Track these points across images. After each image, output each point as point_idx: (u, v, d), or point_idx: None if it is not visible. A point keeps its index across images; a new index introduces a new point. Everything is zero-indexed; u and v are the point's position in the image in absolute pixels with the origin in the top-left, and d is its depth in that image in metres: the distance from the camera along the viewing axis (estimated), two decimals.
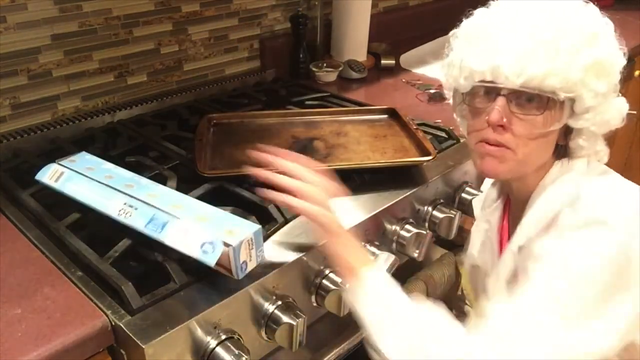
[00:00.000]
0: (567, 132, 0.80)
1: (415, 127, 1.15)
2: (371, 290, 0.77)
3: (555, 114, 0.76)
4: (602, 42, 0.76)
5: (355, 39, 1.66)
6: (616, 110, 0.80)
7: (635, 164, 2.26)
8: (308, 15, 1.57)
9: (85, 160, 0.90)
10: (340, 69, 1.57)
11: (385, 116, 1.24)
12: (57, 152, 1.10)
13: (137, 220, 0.77)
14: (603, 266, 0.70)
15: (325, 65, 1.58)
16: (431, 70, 1.68)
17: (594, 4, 0.79)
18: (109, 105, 1.33)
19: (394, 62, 1.71)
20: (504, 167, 0.80)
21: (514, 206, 0.93)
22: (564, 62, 0.73)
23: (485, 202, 1.03)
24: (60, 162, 0.88)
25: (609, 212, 0.72)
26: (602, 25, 0.77)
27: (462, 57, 0.80)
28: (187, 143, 1.12)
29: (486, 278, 0.97)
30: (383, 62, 1.70)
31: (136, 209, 0.78)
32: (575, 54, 0.73)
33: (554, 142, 0.82)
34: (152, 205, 0.78)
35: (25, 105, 1.20)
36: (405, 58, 1.77)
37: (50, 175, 0.86)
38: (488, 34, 0.77)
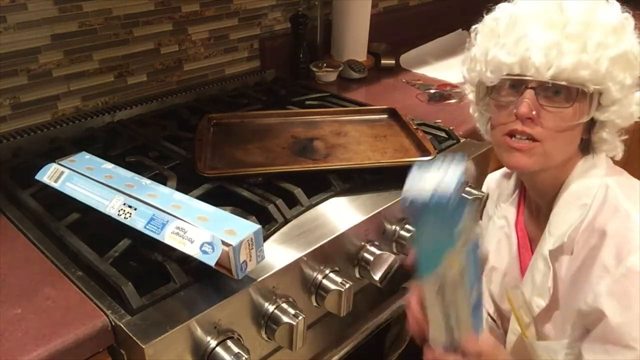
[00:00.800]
0: (590, 125, 0.81)
1: (415, 127, 1.14)
2: None
3: (584, 106, 0.77)
4: (627, 35, 0.77)
5: (355, 39, 1.66)
6: (638, 104, 0.80)
7: (636, 164, 2.26)
8: (308, 15, 1.57)
9: (85, 160, 0.90)
10: (340, 69, 1.57)
11: (385, 116, 1.24)
12: (57, 152, 1.10)
13: (136, 221, 0.77)
14: None
15: (325, 65, 1.58)
16: (431, 70, 1.68)
17: None
18: (109, 105, 1.33)
19: (394, 62, 1.71)
20: (532, 160, 0.81)
21: (534, 200, 0.92)
22: (593, 55, 0.73)
23: (499, 197, 1.02)
24: (60, 162, 0.88)
25: None
26: (625, 18, 0.79)
27: (487, 51, 0.80)
28: (187, 143, 1.12)
29: (505, 278, 0.96)
30: (383, 62, 1.70)
31: (135, 209, 0.78)
32: (604, 47, 0.74)
33: (580, 135, 0.82)
34: (152, 206, 0.78)
35: (25, 105, 1.20)
36: (405, 58, 1.77)
37: (50, 175, 0.86)
38: (515, 27, 0.77)
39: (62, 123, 1.22)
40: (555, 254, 0.84)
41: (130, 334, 0.69)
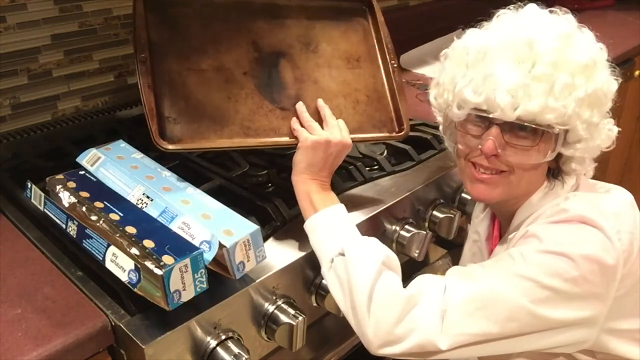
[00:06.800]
0: (558, 156, 0.80)
1: (391, 55, 1.03)
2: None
3: (549, 145, 0.76)
4: (597, 72, 0.75)
5: None
6: (605, 134, 0.80)
7: (636, 164, 2.26)
8: None
9: (119, 148, 0.94)
10: None
11: (363, 8, 1.05)
12: (57, 152, 1.10)
13: (151, 211, 0.79)
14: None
15: None
16: (431, 70, 1.68)
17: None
18: (109, 105, 1.33)
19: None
20: (496, 192, 0.81)
21: (499, 218, 0.93)
22: (560, 98, 0.72)
23: (474, 212, 1.03)
24: (98, 149, 0.92)
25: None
26: (597, 52, 0.77)
27: (455, 83, 0.79)
28: None
29: None
30: None
31: (152, 200, 0.80)
32: (572, 89, 0.73)
33: (546, 168, 0.81)
34: (165, 199, 0.80)
35: (25, 105, 1.20)
36: (405, 58, 1.77)
37: (88, 159, 0.90)
38: (484, 61, 0.76)
39: (62, 123, 1.22)
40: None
41: (130, 334, 0.69)
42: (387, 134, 1.00)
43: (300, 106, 0.91)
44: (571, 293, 0.70)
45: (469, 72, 0.77)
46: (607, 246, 0.72)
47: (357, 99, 0.99)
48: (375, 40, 1.05)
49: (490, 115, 0.75)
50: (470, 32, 0.82)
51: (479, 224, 0.98)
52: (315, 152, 0.85)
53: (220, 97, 0.89)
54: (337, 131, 0.88)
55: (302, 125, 0.89)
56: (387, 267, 0.77)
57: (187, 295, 0.69)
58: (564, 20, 0.78)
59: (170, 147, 0.83)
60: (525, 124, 0.74)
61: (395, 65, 1.04)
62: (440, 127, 0.90)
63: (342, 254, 0.77)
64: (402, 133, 1.00)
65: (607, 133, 0.80)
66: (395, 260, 0.79)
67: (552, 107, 0.72)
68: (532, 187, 0.82)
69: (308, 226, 0.83)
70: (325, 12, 1.02)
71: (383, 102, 1.01)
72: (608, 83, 0.77)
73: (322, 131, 0.88)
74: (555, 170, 0.82)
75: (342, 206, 0.85)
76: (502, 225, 0.92)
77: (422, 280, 0.77)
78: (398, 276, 0.77)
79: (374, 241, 0.80)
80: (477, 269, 0.77)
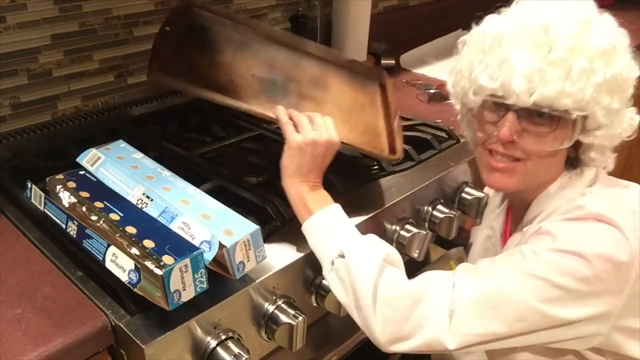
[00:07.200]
0: (577, 145, 0.78)
1: (397, 116, 1.04)
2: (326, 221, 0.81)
3: (567, 131, 0.75)
4: (616, 58, 0.73)
5: (355, 39, 1.65)
6: (627, 123, 0.78)
7: (635, 164, 2.26)
8: (308, 15, 1.57)
9: (119, 148, 0.94)
10: None
11: (375, 85, 1.08)
12: (57, 152, 1.10)
13: (151, 211, 0.79)
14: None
15: None
16: (431, 70, 1.68)
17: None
18: (109, 105, 1.32)
19: (394, 62, 1.71)
20: (512, 180, 0.80)
21: (515, 212, 0.92)
22: (577, 83, 0.71)
23: (488, 207, 1.02)
24: (98, 149, 0.91)
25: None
26: (617, 38, 0.75)
27: (472, 69, 0.78)
28: (187, 143, 1.12)
29: None
30: (383, 62, 1.69)
31: (152, 200, 0.80)
32: (589, 74, 0.71)
33: (565, 156, 0.80)
34: (165, 199, 0.80)
35: (25, 105, 1.20)
36: (405, 58, 1.77)
37: (88, 159, 0.89)
38: (501, 46, 0.75)
39: (62, 123, 1.22)
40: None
41: (130, 334, 0.69)
42: (377, 152, 0.98)
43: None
44: (582, 292, 0.69)
45: (486, 58, 0.76)
46: (621, 244, 0.70)
47: (354, 127, 0.98)
48: (381, 105, 1.05)
49: (506, 102, 0.74)
50: (489, 18, 0.81)
51: (494, 220, 0.97)
52: (303, 154, 0.84)
53: (220, 75, 0.91)
54: (324, 130, 0.85)
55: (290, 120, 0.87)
56: (389, 264, 0.76)
57: (187, 295, 0.69)
58: (583, 5, 0.76)
59: (153, 76, 0.87)
60: (542, 109, 0.73)
61: (398, 116, 1.04)
62: (458, 117, 0.90)
63: (342, 256, 0.77)
64: (395, 156, 0.97)
65: (628, 121, 0.79)
66: (396, 256, 0.79)
67: (568, 92, 0.71)
68: (549, 176, 0.81)
69: (305, 229, 0.83)
70: (342, 71, 1.06)
71: (380, 137, 1.00)
72: (629, 69, 0.75)
73: (309, 130, 0.85)
74: (574, 160, 0.81)
75: (337, 206, 0.84)
76: (517, 216, 0.91)
77: (429, 276, 0.76)
78: (401, 271, 0.77)
79: (373, 239, 0.80)
80: (487, 265, 0.76)
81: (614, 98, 0.74)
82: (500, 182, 0.81)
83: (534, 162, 0.78)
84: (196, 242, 0.72)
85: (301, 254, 0.84)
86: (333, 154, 0.87)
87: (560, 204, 0.79)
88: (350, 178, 1.03)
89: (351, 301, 0.76)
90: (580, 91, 0.71)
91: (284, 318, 0.80)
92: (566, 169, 0.81)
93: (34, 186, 0.84)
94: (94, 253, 0.73)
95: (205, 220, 0.76)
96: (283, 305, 0.81)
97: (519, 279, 0.71)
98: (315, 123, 0.86)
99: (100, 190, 0.83)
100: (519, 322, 0.70)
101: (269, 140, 1.15)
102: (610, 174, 0.85)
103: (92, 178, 0.87)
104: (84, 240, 0.74)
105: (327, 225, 0.81)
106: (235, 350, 0.75)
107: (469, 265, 0.78)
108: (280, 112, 0.87)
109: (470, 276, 0.74)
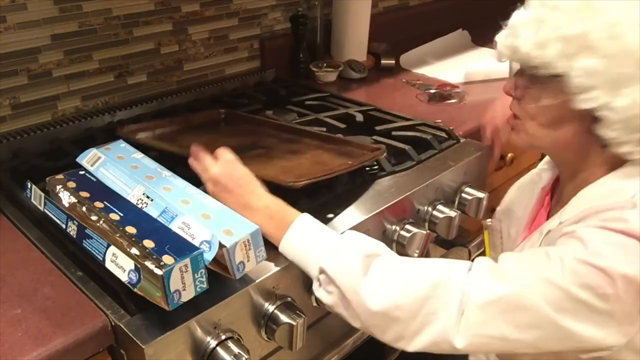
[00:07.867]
0: (593, 122, 0.74)
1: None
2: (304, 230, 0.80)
3: (547, 90, 0.76)
4: (600, 15, 0.69)
5: (355, 39, 1.66)
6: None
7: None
8: (308, 15, 1.57)
9: (119, 148, 0.94)
10: (340, 69, 1.57)
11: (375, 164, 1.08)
12: (57, 152, 1.10)
13: (151, 211, 0.79)
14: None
15: (325, 65, 1.58)
16: (431, 70, 1.68)
17: None
18: (109, 105, 1.33)
19: (394, 62, 1.71)
20: (519, 137, 0.85)
21: (561, 191, 0.90)
22: (540, 37, 0.71)
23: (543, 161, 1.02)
24: (98, 148, 0.92)
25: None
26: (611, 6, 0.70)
27: None
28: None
29: (502, 240, 0.99)
30: (383, 62, 1.69)
31: (152, 200, 0.80)
32: (558, 28, 0.70)
33: (572, 126, 0.77)
34: (165, 199, 0.80)
35: (25, 105, 1.20)
36: (405, 58, 1.77)
37: (88, 159, 0.90)
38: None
39: (62, 123, 1.22)
40: (550, 236, 0.82)
41: (130, 334, 0.69)
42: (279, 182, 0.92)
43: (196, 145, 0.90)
44: (598, 308, 0.67)
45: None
46: None
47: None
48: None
49: (502, 59, 0.80)
50: None
51: (544, 172, 0.98)
52: (219, 188, 0.84)
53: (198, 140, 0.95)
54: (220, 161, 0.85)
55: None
56: (373, 257, 0.75)
57: (187, 295, 0.69)
58: None
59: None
60: (523, 67, 0.78)
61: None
62: None
63: (323, 272, 0.77)
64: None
65: None
66: (377, 246, 0.78)
67: (532, 47, 0.73)
68: (560, 146, 0.81)
69: (282, 252, 0.81)
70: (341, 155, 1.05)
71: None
72: (620, 32, 0.68)
73: (209, 163, 0.86)
74: (609, 151, 0.76)
75: (302, 217, 0.81)
76: (559, 196, 0.90)
77: (436, 269, 0.74)
78: (386, 256, 0.77)
79: (348, 239, 0.79)
80: (509, 265, 0.73)
81: (591, 59, 0.69)
82: (512, 137, 0.87)
83: (531, 122, 0.81)
84: (196, 242, 0.72)
85: None
86: (242, 176, 0.85)
87: (606, 206, 0.73)
88: (351, 178, 1.03)
89: (349, 309, 0.76)
90: (541, 46, 0.71)
91: (284, 318, 0.80)
92: (610, 166, 0.78)
93: (34, 186, 0.84)
94: (94, 253, 0.73)
95: (205, 220, 0.76)
96: (283, 305, 0.81)
97: (538, 286, 0.69)
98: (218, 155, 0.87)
99: (100, 190, 0.83)
100: (531, 329, 0.69)
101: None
102: None
103: (92, 178, 0.87)
104: (84, 240, 0.74)
105: (301, 245, 0.80)
106: (235, 350, 0.75)
107: (489, 263, 0.75)
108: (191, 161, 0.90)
109: (490, 276, 0.72)
